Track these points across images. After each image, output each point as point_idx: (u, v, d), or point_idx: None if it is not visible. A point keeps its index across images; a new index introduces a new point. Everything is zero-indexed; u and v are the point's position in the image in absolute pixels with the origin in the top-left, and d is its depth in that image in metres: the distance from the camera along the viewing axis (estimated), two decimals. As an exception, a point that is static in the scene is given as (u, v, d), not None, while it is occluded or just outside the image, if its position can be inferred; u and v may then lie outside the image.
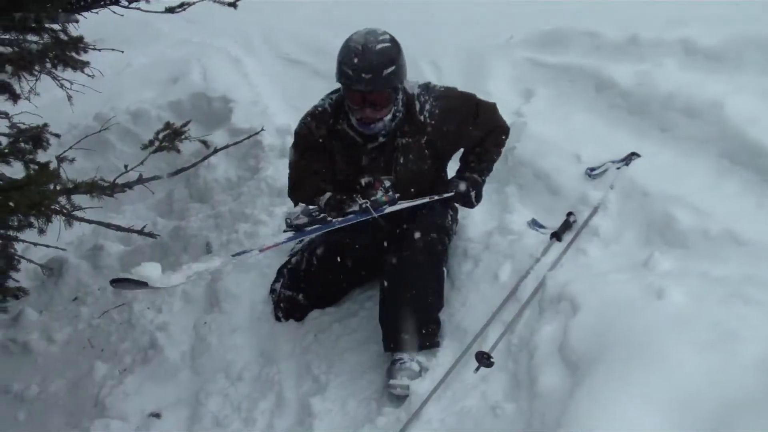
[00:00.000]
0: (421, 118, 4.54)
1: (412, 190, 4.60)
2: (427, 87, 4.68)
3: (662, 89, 5.62)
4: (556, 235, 4.66)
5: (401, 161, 4.56)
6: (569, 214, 4.79)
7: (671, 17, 6.93)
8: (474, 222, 5.23)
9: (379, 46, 4.22)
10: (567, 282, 4.06)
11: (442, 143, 4.61)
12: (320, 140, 4.68)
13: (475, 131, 4.72)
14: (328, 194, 4.60)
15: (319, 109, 4.73)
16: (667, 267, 3.99)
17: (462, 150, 4.93)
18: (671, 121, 5.36)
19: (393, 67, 4.23)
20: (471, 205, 4.75)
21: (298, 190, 4.86)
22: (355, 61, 4.18)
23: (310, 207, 4.38)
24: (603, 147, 5.40)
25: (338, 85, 4.44)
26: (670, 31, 6.46)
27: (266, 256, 5.17)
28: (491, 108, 4.83)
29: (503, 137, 4.90)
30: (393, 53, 4.26)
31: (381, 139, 4.54)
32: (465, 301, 4.59)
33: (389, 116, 4.42)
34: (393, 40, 4.31)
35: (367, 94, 4.27)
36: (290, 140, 5.66)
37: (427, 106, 4.56)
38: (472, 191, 4.66)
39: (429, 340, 4.43)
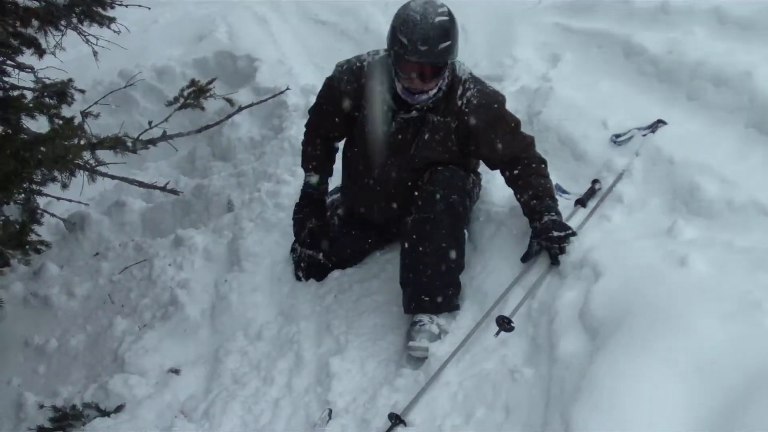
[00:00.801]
0: (459, 102, 4.46)
1: (424, 169, 4.58)
2: (476, 78, 4.60)
3: (691, 57, 5.56)
4: (581, 202, 4.63)
5: (426, 137, 4.50)
6: (595, 181, 4.76)
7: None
8: (497, 186, 5.19)
9: (438, 19, 4.15)
10: (590, 248, 4.04)
11: (465, 135, 4.52)
12: (345, 95, 4.67)
13: (495, 141, 4.54)
14: (315, 178, 4.98)
15: (357, 64, 4.69)
16: (691, 235, 3.96)
17: (483, 159, 4.81)
18: (700, 89, 5.31)
19: (449, 42, 4.17)
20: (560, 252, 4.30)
21: (307, 140, 5.14)
22: (413, 30, 4.12)
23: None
24: (630, 114, 5.36)
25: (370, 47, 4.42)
26: (701, -1, 6.39)
27: (288, 215, 5.17)
28: (515, 122, 4.66)
29: (543, 166, 4.64)
30: (450, 28, 4.20)
31: (414, 112, 4.48)
32: (486, 265, 4.57)
33: (435, 90, 4.35)
34: (450, 15, 4.24)
35: (417, 65, 4.22)
36: (314, 100, 5.67)
37: (468, 94, 4.48)
38: (552, 233, 4.30)
39: (449, 303, 4.42)
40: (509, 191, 4.91)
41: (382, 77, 4.56)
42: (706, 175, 4.38)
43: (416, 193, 4.51)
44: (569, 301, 3.78)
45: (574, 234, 4.27)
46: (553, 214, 4.35)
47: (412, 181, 4.60)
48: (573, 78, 6.28)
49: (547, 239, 4.25)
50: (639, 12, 6.82)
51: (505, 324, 3.83)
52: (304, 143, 5.12)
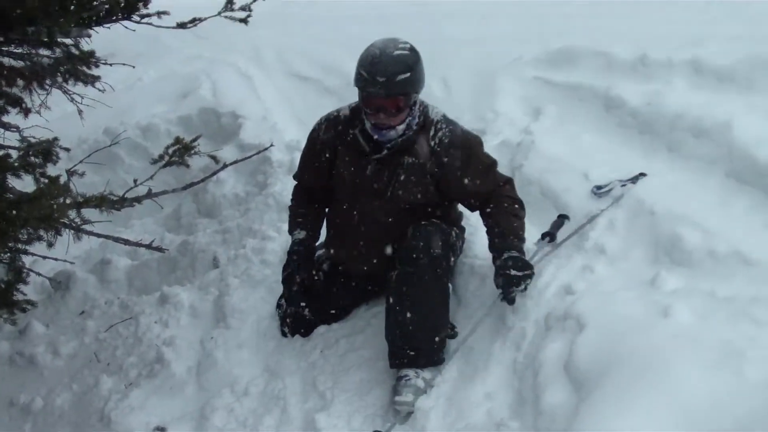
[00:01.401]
0: (432, 143, 4.55)
1: (405, 212, 4.63)
2: (449, 119, 4.69)
3: (671, 109, 5.62)
4: (549, 235, 4.75)
5: (402, 179, 4.56)
6: (561, 216, 4.80)
7: (683, 36, 6.95)
8: (481, 239, 5.20)
9: (396, 53, 4.27)
10: (574, 299, 4.06)
11: (440, 175, 4.57)
12: (324, 144, 4.79)
13: (467, 179, 4.59)
14: (302, 234, 4.96)
15: (335, 113, 4.84)
16: (674, 286, 3.99)
17: (458, 199, 4.88)
18: (679, 140, 5.37)
19: (408, 74, 4.25)
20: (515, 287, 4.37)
21: (294, 200, 5.23)
22: (371, 64, 4.24)
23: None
24: (611, 166, 5.41)
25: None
26: (680, 51, 6.47)
27: (274, 272, 5.18)
28: (489, 162, 4.74)
29: (517, 206, 4.69)
30: (410, 61, 4.29)
31: (385, 151, 4.55)
32: (471, 318, 4.59)
33: (402, 126, 4.43)
34: (412, 50, 4.35)
35: (380, 99, 4.30)
36: (299, 156, 5.69)
37: (440, 134, 4.56)
38: (509, 271, 4.32)
39: (434, 357, 4.41)
40: (493, 245, 4.96)
41: (356, 122, 4.66)
42: (687, 226, 4.42)
43: (399, 247, 4.54)
44: (554, 353, 3.80)
45: (531, 274, 4.34)
46: (514, 252, 4.38)
47: (392, 226, 4.64)
48: (554, 131, 6.33)
49: (503, 276, 4.30)
50: (618, 64, 6.89)
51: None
52: (291, 206, 5.18)
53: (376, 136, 4.50)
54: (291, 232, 5.04)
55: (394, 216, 4.61)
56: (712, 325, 3.46)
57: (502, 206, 4.60)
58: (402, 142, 4.52)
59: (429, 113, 4.63)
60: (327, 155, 4.80)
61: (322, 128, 4.84)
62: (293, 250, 4.96)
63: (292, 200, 5.20)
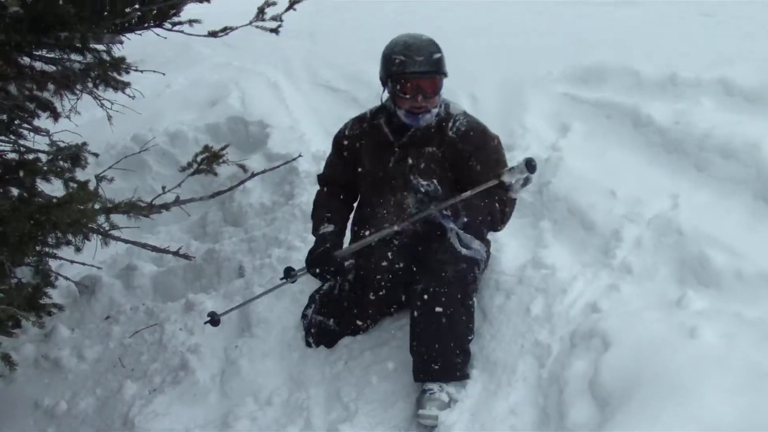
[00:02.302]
0: (450, 133, 4.69)
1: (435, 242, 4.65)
2: (469, 114, 4.83)
3: (699, 128, 5.62)
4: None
5: (422, 167, 4.66)
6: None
7: (712, 55, 6.94)
8: (507, 255, 5.23)
9: (424, 37, 4.53)
10: (599, 318, 4.06)
11: (457, 162, 4.68)
12: (349, 140, 4.96)
13: (477, 166, 4.67)
14: (330, 227, 4.91)
15: (360, 114, 5.05)
16: (701, 306, 3.99)
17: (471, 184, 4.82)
18: (707, 160, 5.35)
19: (441, 54, 4.50)
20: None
21: (317, 202, 5.24)
22: (406, 47, 4.46)
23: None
24: (639, 184, 5.40)
25: None
26: (709, 70, 6.46)
27: (299, 282, 5.19)
28: (503, 160, 4.83)
29: (506, 208, 4.72)
30: (437, 44, 4.54)
31: (408, 135, 4.70)
32: (496, 334, 4.58)
33: (436, 108, 4.63)
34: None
35: (420, 80, 4.47)
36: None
37: (458, 124, 4.72)
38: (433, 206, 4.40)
39: (459, 372, 4.41)
40: (519, 261, 4.98)
41: (380, 116, 4.85)
42: (715, 246, 4.43)
43: (423, 260, 4.57)
44: (579, 371, 3.80)
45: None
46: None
47: (420, 233, 4.67)
48: (582, 148, 6.32)
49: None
50: (647, 83, 6.88)
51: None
52: (312, 211, 5.20)
53: (410, 122, 4.64)
54: (315, 231, 4.99)
55: (424, 221, 4.57)
56: (738, 346, 3.46)
57: (492, 197, 4.62)
58: (423, 130, 4.67)
59: (450, 107, 4.80)
60: (352, 151, 4.94)
61: (348, 126, 5.04)
62: (325, 236, 4.88)
63: (315, 202, 5.24)
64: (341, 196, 5.14)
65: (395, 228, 4.49)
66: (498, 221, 4.73)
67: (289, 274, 4.89)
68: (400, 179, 4.72)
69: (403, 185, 4.71)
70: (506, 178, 4.27)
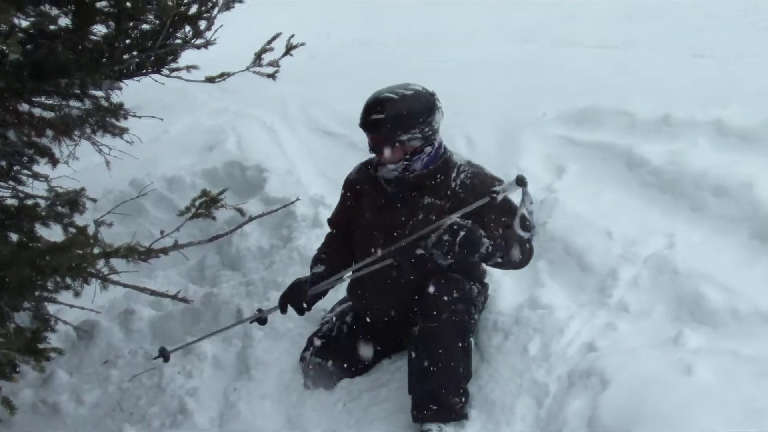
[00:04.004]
0: (453, 184, 4.63)
1: (424, 256, 4.55)
2: (474, 164, 4.77)
3: (694, 168, 5.67)
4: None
5: (420, 217, 4.61)
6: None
7: (706, 96, 7.01)
8: (504, 295, 5.26)
9: (386, 95, 4.46)
10: (597, 357, 4.08)
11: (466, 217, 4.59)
12: (353, 184, 5.02)
13: (488, 218, 4.49)
14: (321, 268, 4.93)
15: (369, 159, 5.02)
16: (697, 344, 4.02)
17: None
18: (702, 200, 5.40)
19: (381, 116, 4.42)
20: (452, 246, 4.24)
21: (324, 240, 5.31)
22: (368, 99, 4.52)
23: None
24: (634, 224, 5.45)
25: None
26: (703, 110, 6.53)
27: (297, 325, 5.21)
28: (515, 207, 4.58)
29: (526, 250, 4.57)
30: (394, 105, 4.43)
31: (392, 185, 4.71)
32: (494, 374, 4.59)
33: (393, 165, 4.61)
34: (413, 97, 4.50)
35: (369, 133, 4.56)
36: (323, 211, 5.73)
37: (462, 176, 4.65)
38: (462, 232, 4.22)
39: (457, 412, 4.42)
40: (516, 301, 5.00)
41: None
42: (710, 285, 4.46)
43: (420, 302, 4.54)
44: (577, 410, 3.81)
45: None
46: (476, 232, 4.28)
47: (410, 270, 4.65)
48: (577, 189, 6.36)
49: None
50: (641, 124, 6.95)
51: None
52: (318, 249, 5.23)
53: (378, 172, 4.74)
54: (311, 269, 5.04)
55: (420, 261, 4.56)
56: (735, 383, 3.48)
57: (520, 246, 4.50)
58: (413, 179, 4.64)
59: (452, 157, 4.76)
60: (354, 195, 4.97)
61: (356, 168, 5.09)
62: (312, 276, 4.94)
63: (322, 245, 5.26)
64: (346, 240, 5.13)
65: (378, 255, 4.50)
66: (527, 254, 4.57)
67: (260, 313, 4.94)
68: (394, 228, 4.69)
69: (394, 235, 4.63)
70: (498, 190, 4.23)
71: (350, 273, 4.71)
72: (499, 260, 4.42)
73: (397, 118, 4.44)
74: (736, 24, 11.37)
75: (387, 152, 4.53)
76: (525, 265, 4.65)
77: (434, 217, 4.55)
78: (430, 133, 4.58)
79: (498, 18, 15.26)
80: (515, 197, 4.35)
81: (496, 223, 4.48)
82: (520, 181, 4.10)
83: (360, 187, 4.94)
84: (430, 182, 4.65)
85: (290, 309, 4.86)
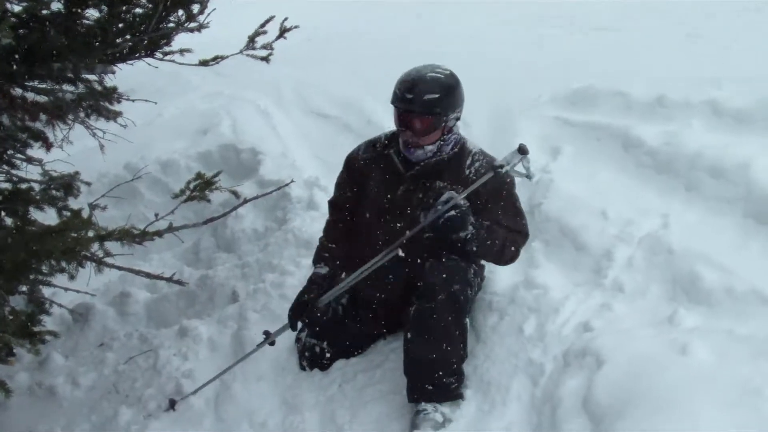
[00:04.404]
0: (467, 171, 4.63)
1: (428, 238, 4.59)
2: (486, 153, 4.78)
3: (689, 149, 5.67)
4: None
5: (431, 202, 4.53)
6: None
7: (701, 77, 7.00)
8: (499, 276, 5.26)
9: (430, 75, 4.41)
10: (592, 337, 4.09)
11: (469, 200, 4.53)
12: (361, 163, 4.90)
13: (495, 209, 4.64)
14: (325, 270, 4.88)
15: (376, 137, 4.99)
16: (692, 324, 4.02)
17: None
18: (697, 180, 5.40)
19: (437, 95, 4.36)
20: (446, 229, 4.35)
21: (326, 230, 5.19)
22: (403, 82, 4.41)
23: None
24: (629, 204, 5.45)
25: None
26: (698, 91, 6.52)
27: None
28: (520, 205, 4.81)
29: (521, 246, 4.77)
30: (443, 84, 4.41)
31: (417, 168, 4.64)
32: (489, 354, 4.60)
33: (432, 147, 4.56)
34: (451, 75, 4.49)
35: (407, 116, 4.43)
36: (317, 193, 5.71)
37: (477, 165, 4.66)
38: (453, 211, 4.30)
39: (453, 392, 4.42)
40: (512, 282, 5.00)
41: (393, 144, 4.79)
42: (705, 265, 4.47)
43: (416, 282, 4.56)
44: (572, 389, 3.82)
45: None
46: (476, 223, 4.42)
47: (412, 252, 4.61)
48: (573, 170, 6.36)
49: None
50: (636, 105, 6.94)
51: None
52: (321, 238, 5.16)
53: (405, 153, 4.63)
54: (315, 262, 5.02)
55: (416, 241, 4.57)
56: (730, 363, 3.48)
57: (512, 233, 4.66)
58: (434, 164, 4.62)
59: (467, 144, 4.74)
60: (362, 175, 4.90)
61: (361, 149, 4.98)
62: (315, 280, 4.88)
63: (324, 230, 5.20)
64: (348, 225, 5.09)
65: (393, 253, 4.49)
66: (507, 257, 4.69)
67: (268, 335, 4.92)
68: (405, 211, 4.70)
69: (403, 216, 4.69)
70: (503, 163, 4.32)
71: (358, 274, 4.67)
72: (474, 249, 4.50)
73: (449, 98, 4.44)
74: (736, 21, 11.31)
75: (434, 134, 4.51)
76: (503, 265, 4.85)
77: None
78: (461, 113, 4.62)
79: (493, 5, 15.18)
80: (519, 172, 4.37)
81: (496, 215, 4.58)
82: (522, 150, 4.15)
83: (367, 167, 4.88)
84: (447, 167, 4.65)
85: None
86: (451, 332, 4.42)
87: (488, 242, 4.50)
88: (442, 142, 4.57)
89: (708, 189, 5.32)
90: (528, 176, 4.42)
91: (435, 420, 4.28)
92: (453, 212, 4.25)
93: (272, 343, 4.91)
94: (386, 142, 4.87)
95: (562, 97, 7.81)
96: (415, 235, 4.46)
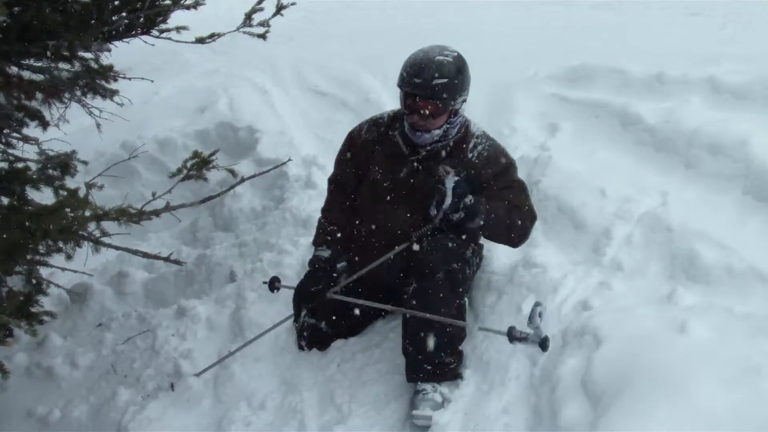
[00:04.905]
0: (470, 155, 4.63)
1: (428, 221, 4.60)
2: (490, 136, 4.78)
3: (688, 126, 5.65)
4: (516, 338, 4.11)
5: (442, 193, 4.53)
6: (536, 304, 4.17)
7: (699, 55, 6.99)
8: (498, 255, 5.25)
9: (438, 58, 4.35)
10: (590, 315, 4.07)
11: (473, 185, 4.56)
12: (364, 142, 4.88)
13: (500, 190, 4.64)
14: (327, 253, 4.85)
15: (377, 116, 4.97)
16: (691, 302, 4.01)
17: None
18: (696, 157, 5.39)
19: (445, 80, 4.32)
20: (459, 223, 4.45)
21: (325, 211, 5.13)
22: (411, 66, 4.36)
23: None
24: (628, 182, 5.44)
25: None
26: (696, 69, 6.50)
27: (292, 285, 5.19)
28: (523, 184, 4.81)
29: (529, 222, 4.72)
30: (451, 68, 4.36)
31: (424, 153, 4.63)
32: (488, 334, 4.60)
33: (439, 131, 4.52)
34: (458, 58, 4.44)
35: (414, 100, 4.39)
36: (315, 171, 5.67)
37: (480, 147, 4.65)
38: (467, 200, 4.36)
39: (452, 372, 4.42)
40: (510, 261, 4.99)
41: (397, 125, 4.76)
42: (704, 242, 4.46)
43: (415, 261, 4.52)
44: (571, 368, 3.80)
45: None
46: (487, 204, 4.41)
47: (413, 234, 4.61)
48: (571, 147, 6.35)
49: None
50: (635, 82, 6.92)
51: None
52: (321, 218, 5.12)
53: (411, 136, 4.60)
54: (316, 244, 4.99)
55: (416, 224, 4.59)
56: (729, 341, 3.47)
57: (519, 211, 4.63)
58: (440, 147, 4.61)
59: (470, 127, 4.73)
60: (364, 154, 4.88)
61: (365, 128, 4.95)
62: (318, 266, 4.85)
63: (323, 210, 5.16)
64: (348, 204, 5.06)
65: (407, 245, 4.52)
66: (520, 236, 4.70)
67: (274, 284, 4.94)
68: (408, 194, 4.69)
69: (405, 198, 4.69)
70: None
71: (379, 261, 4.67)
72: (485, 235, 4.63)
73: (457, 82, 4.40)
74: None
75: (441, 118, 4.47)
76: (515, 246, 4.85)
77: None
78: (467, 95, 4.58)
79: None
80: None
81: (506, 196, 4.61)
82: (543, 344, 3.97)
83: (370, 147, 4.86)
84: (448, 148, 4.64)
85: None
86: (450, 312, 4.40)
87: (497, 228, 4.53)
88: (448, 125, 4.54)
89: (707, 166, 5.30)
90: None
91: (434, 400, 4.27)
92: (464, 205, 4.29)
93: (273, 289, 5.04)
94: (390, 122, 4.84)
95: (560, 75, 7.79)
96: (417, 213, 4.48)
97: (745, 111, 5.74)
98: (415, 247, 4.50)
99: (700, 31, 8.64)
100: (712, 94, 6.20)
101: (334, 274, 4.85)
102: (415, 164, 4.68)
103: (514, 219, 4.58)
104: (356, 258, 4.90)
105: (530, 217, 4.72)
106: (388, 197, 4.73)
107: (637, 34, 8.88)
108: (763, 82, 5.89)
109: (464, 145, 4.65)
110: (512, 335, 3.97)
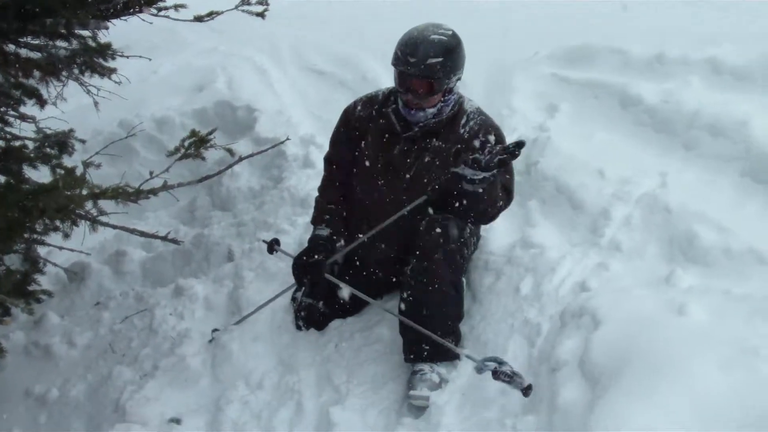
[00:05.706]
0: (462, 131, 4.61)
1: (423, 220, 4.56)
2: (483, 112, 4.76)
3: (687, 107, 5.64)
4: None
5: (426, 160, 4.60)
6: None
7: (700, 35, 6.95)
8: (496, 235, 5.24)
9: (433, 36, 4.33)
10: (589, 296, 4.07)
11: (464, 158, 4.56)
12: (358, 120, 4.87)
13: None
14: (326, 231, 4.81)
15: (372, 94, 4.97)
16: (689, 283, 4.01)
17: None
18: (696, 139, 5.38)
19: (440, 59, 4.30)
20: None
21: (322, 190, 5.12)
22: (406, 45, 4.34)
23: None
24: (627, 163, 5.42)
25: None
26: (697, 49, 6.47)
27: (288, 265, 5.18)
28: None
29: (506, 205, 4.64)
30: (446, 47, 4.34)
31: (416, 129, 4.62)
32: (486, 314, 4.59)
33: (433, 109, 4.51)
34: (453, 36, 4.41)
35: (409, 79, 4.38)
36: (313, 150, 5.65)
37: (471, 123, 4.64)
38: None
39: (449, 352, 4.39)
40: (508, 241, 4.99)
41: (390, 102, 4.76)
42: (703, 224, 4.45)
43: (413, 241, 4.51)
44: (569, 350, 3.80)
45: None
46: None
47: (411, 219, 4.57)
48: (570, 128, 6.33)
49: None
50: (634, 62, 6.89)
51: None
52: (318, 197, 5.12)
53: (405, 114, 4.59)
54: (314, 223, 4.97)
55: (410, 200, 4.52)
56: (727, 322, 3.47)
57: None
58: (433, 125, 4.59)
59: (464, 103, 4.72)
60: (359, 131, 4.87)
61: (359, 104, 4.95)
62: (318, 243, 4.81)
63: (320, 188, 5.15)
64: (345, 182, 5.04)
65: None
66: (491, 216, 4.68)
67: (273, 247, 4.97)
68: (400, 171, 4.69)
69: (399, 175, 4.68)
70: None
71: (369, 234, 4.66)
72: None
73: (451, 61, 4.39)
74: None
75: (436, 96, 4.46)
76: (484, 223, 4.94)
77: (438, 162, 4.60)
78: (462, 74, 4.56)
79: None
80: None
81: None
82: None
83: (364, 124, 4.86)
84: (441, 125, 4.63)
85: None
86: (448, 292, 4.41)
87: (486, 203, 4.44)
88: (442, 103, 4.53)
89: (706, 147, 5.30)
90: None
91: (432, 380, 4.28)
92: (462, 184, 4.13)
93: (271, 251, 5.08)
94: (384, 99, 4.83)
95: (559, 55, 7.76)
96: (412, 190, 4.53)
97: (745, 92, 5.72)
98: (430, 210, 4.48)
99: (700, 11, 8.57)
100: (712, 75, 6.17)
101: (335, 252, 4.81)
102: (407, 142, 4.67)
103: (497, 198, 4.56)
104: (352, 237, 4.88)
105: (508, 200, 4.69)
106: (382, 174, 4.73)
107: (638, 14, 8.82)
108: (763, 63, 5.86)
109: (456, 122, 4.64)
110: (496, 374, 3.91)
